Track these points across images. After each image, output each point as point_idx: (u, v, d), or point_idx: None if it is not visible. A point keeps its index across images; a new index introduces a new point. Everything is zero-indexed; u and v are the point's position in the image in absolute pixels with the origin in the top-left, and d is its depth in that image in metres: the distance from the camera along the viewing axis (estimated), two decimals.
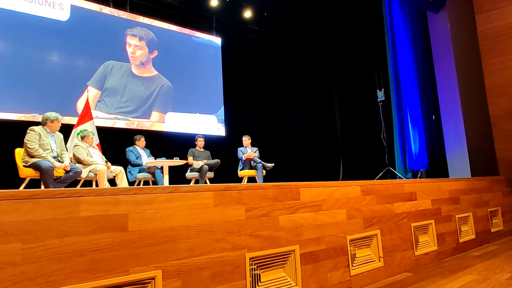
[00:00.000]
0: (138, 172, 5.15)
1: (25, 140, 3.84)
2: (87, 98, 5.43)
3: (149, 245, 1.48)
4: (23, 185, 3.90)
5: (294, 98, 8.24)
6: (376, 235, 2.54)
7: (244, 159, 5.92)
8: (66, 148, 4.36)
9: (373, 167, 6.15)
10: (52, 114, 4.09)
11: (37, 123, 4.17)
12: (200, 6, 7.57)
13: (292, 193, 2.10)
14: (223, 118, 7.77)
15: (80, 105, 5.77)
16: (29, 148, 3.80)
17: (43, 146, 3.93)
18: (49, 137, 4.05)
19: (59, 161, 4.11)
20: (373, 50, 6.79)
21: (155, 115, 6.78)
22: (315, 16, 7.98)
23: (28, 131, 3.89)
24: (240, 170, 5.98)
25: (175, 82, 7.16)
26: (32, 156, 3.83)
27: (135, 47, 6.72)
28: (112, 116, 6.21)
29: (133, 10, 6.78)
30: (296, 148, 8.06)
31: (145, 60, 6.83)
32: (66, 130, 5.06)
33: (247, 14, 8.04)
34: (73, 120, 5.52)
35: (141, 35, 6.81)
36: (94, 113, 5.66)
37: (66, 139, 4.92)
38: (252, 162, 5.88)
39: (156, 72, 6.94)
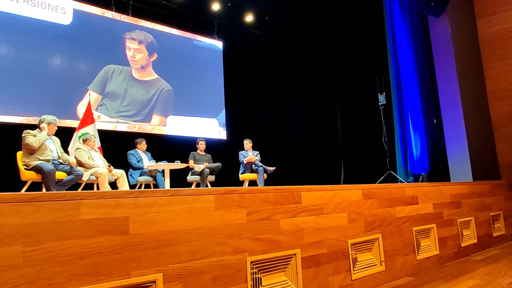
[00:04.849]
0: (140, 176, 5.16)
1: (24, 142, 3.83)
2: (89, 101, 5.44)
3: (150, 248, 1.48)
4: (25, 188, 3.90)
5: (295, 102, 8.25)
6: (378, 239, 2.53)
7: (245, 162, 5.92)
8: (64, 151, 4.37)
9: (375, 171, 6.14)
10: (49, 117, 4.10)
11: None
12: (202, 10, 7.60)
13: (293, 196, 2.10)
14: (224, 121, 7.78)
15: (80, 109, 5.79)
16: (29, 143, 3.77)
17: (42, 149, 3.93)
18: (47, 140, 4.05)
19: (61, 163, 4.12)
20: (374, 54, 6.80)
21: (156, 118, 6.79)
22: (316, 21, 8.01)
23: (24, 134, 3.87)
24: (241, 173, 5.98)
25: (176, 85, 7.18)
26: (33, 153, 3.82)
27: (135, 50, 6.75)
28: (113, 120, 6.23)
29: (135, 14, 6.82)
30: (297, 151, 8.06)
31: (145, 63, 6.85)
32: (67, 133, 5.08)
33: (249, 18, 8.07)
34: (74, 124, 5.53)
35: (140, 38, 6.84)
36: (95, 116, 5.67)
37: (67, 142, 4.94)
38: (253, 165, 5.88)
39: (156, 76, 6.96)
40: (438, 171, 5.31)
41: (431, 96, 5.52)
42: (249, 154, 6.03)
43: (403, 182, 5.10)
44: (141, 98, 6.66)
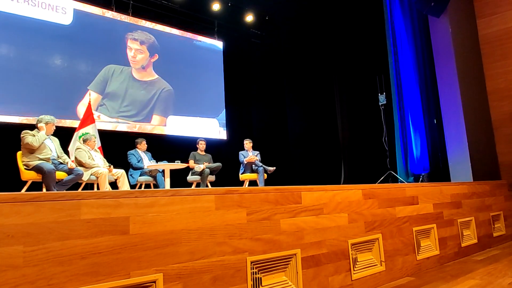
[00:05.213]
0: (140, 176, 5.16)
1: (24, 142, 3.82)
2: (89, 101, 5.44)
3: (150, 248, 1.48)
4: (25, 188, 3.90)
5: (295, 102, 8.25)
6: (378, 239, 2.53)
7: (245, 162, 5.92)
8: (64, 151, 4.37)
9: (375, 171, 6.14)
10: (46, 117, 4.10)
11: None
12: (202, 10, 7.61)
13: (293, 196, 2.10)
14: (225, 121, 7.78)
15: (80, 109, 5.79)
16: (29, 143, 3.77)
17: (42, 148, 3.93)
18: (46, 139, 4.06)
19: (61, 163, 4.13)
20: (374, 54, 6.80)
21: (156, 118, 6.79)
22: (317, 21, 8.00)
23: (22, 134, 3.86)
24: (242, 173, 5.97)
25: (176, 85, 7.18)
26: (33, 153, 3.82)
27: (136, 51, 6.75)
28: (113, 120, 6.23)
29: (135, 14, 6.82)
30: (297, 151, 8.05)
31: (145, 64, 6.85)
32: (67, 133, 5.08)
33: (249, 18, 8.07)
34: (74, 124, 5.53)
35: (142, 39, 6.84)
36: (95, 116, 5.67)
37: (67, 142, 4.94)
38: (253, 165, 5.88)
39: (156, 76, 6.96)
40: (438, 171, 5.31)
41: (431, 96, 5.52)
42: (249, 154, 6.03)
43: (403, 182, 5.10)
44: (141, 98, 6.67)
